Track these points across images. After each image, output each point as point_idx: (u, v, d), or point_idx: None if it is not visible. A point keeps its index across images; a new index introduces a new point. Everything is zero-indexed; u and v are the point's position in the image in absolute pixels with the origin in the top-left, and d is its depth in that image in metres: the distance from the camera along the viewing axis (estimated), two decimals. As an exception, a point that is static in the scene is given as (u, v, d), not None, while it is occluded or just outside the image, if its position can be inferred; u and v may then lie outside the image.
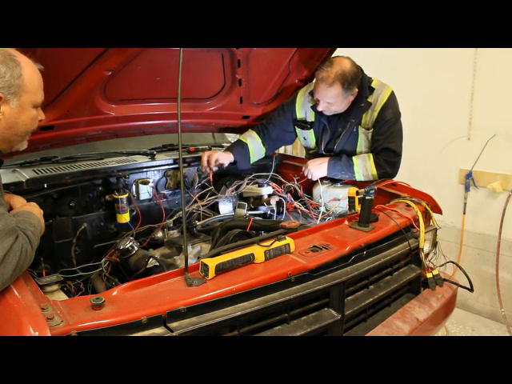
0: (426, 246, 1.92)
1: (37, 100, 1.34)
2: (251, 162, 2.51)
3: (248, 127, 2.62)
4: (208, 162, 2.31)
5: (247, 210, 2.16)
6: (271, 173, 2.46)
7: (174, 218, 2.20)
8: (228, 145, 2.64)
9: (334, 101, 2.19)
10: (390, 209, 1.95)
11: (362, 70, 2.26)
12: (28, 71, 1.28)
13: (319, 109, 2.26)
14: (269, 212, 2.31)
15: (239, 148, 2.46)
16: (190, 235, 2.09)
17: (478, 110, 3.28)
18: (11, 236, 1.10)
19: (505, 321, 3.23)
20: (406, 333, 1.66)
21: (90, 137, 2.12)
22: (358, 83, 2.21)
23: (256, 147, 2.48)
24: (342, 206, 2.19)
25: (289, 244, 1.49)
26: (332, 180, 2.38)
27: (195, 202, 2.27)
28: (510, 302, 3.27)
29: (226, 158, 2.38)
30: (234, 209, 2.24)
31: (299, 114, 2.47)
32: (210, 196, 2.32)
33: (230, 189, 2.35)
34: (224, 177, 2.52)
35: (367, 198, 1.74)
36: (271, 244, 1.45)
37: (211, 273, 1.28)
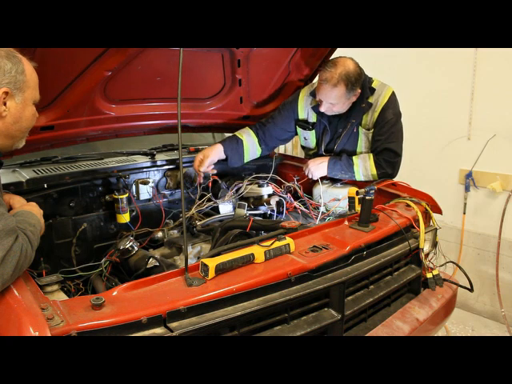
0: (426, 246, 1.92)
1: (36, 96, 1.36)
2: (245, 161, 2.43)
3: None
4: (200, 164, 2.26)
5: (247, 210, 2.16)
6: (271, 174, 2.45)
7: (176, 223, 2.19)
8: None
9: (337, 101, 2.19)
10: (390, 209, 1.94)
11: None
12: (28, 67, 1.31)
13: (321, 109, 2.25)
14: (269, 212, 2.31)
15: (233, 143, 2.38)
16: (190, 235, 2.08)
17: (478, 110, 3.28)
18: (11, 236, 1.10)
19: (505, 321, 3.23)
20: (406, 333, 1.66)
21: (90, 137, 2.12)
22: (361, 84, 2.20)
23: (251, 145, 2.42)
24: (342, 206, 2.19)
25: (289, 244, 1.49)
26: (332, 180, 2.38)
27: (195, 205, 2.26)
28: (510, 302, 3.27)
29: (216, 154, 2.31)
30: (234, 209, 2.24)
31: (301, 115, 2.45)
32: (208, 201, 2.28)
33: (230, 192, 2.34)
34: (223, 177, 2.50)
35: (367, 198, 1.74)
36: (271, 244, 1.45)
37: (211, 273, 1.28)
